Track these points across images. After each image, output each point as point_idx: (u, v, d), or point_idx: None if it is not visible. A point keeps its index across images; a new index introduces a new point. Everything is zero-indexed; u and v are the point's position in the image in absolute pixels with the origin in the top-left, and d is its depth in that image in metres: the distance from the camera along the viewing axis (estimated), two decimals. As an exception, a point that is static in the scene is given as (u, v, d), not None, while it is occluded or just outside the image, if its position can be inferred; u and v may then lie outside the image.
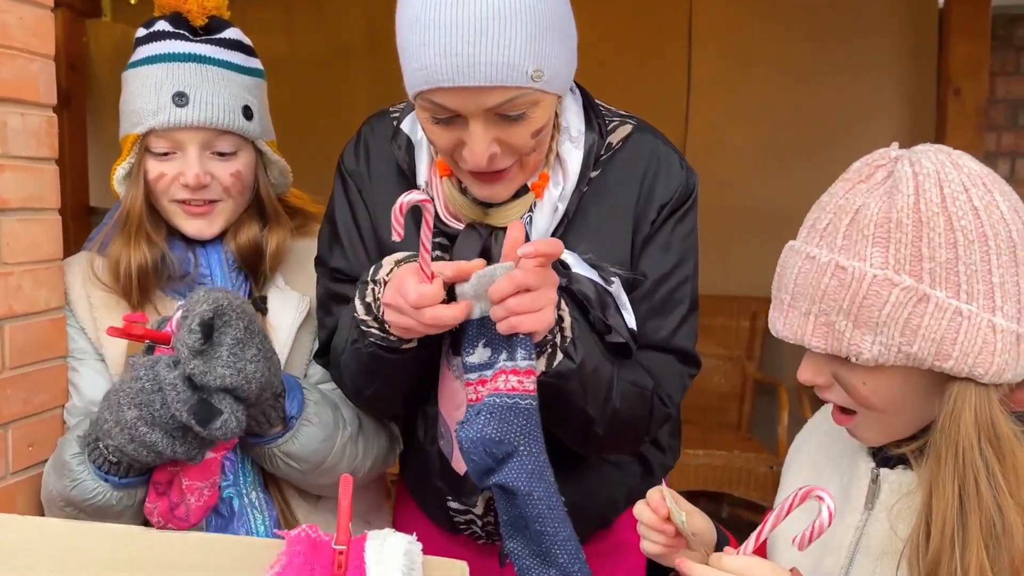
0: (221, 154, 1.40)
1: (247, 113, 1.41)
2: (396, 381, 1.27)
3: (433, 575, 0.98)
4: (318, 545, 0.97)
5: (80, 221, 4.24)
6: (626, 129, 1.36)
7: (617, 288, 1.27)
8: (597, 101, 1.39)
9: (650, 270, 1.32)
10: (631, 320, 1.28)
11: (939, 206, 0.88)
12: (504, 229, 1.24)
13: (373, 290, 1.19)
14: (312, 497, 1.41)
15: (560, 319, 1.17)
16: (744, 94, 4.63)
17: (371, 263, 1.29)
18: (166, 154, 1.38)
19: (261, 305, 1.43)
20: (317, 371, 1.45)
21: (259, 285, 1.45)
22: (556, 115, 1.28)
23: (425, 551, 1.03)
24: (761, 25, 4.64)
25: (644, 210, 1.33)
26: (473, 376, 1.13)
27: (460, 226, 1.27)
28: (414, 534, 1.01)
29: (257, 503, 1.35)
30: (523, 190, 1.28)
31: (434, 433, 1.36)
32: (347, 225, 1.38)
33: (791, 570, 0.94)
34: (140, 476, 1.21)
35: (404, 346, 1.19)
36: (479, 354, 1.12)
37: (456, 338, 1.20)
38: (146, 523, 1.21)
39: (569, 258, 1.26)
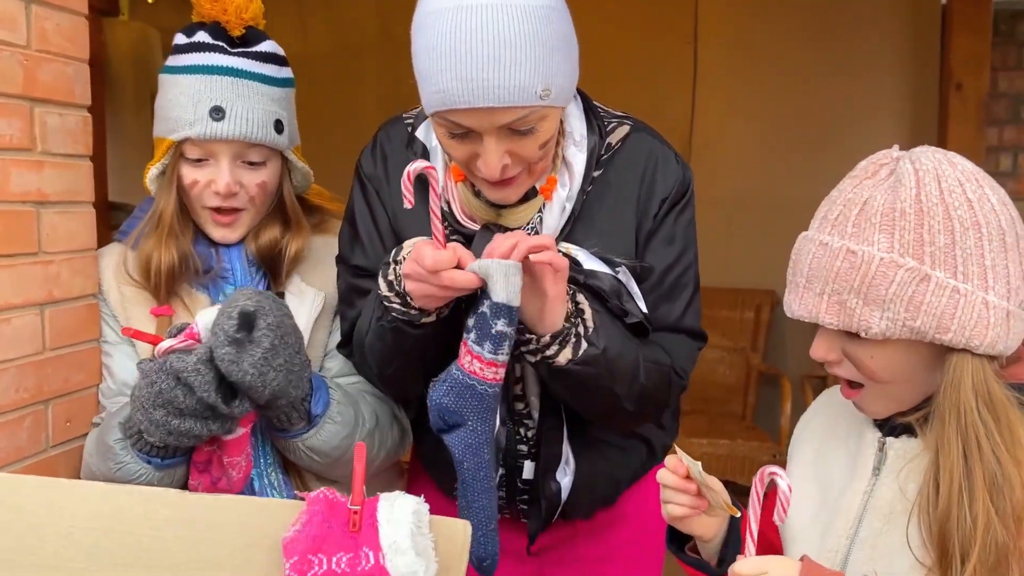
0: (251, 163, 1.48)
1: (278, 127, 1.48)
2: (417, 359, 1.35)
3: (439, 533, 1.07)
4: (335, 505, 1.07)
5: (100, 216, 4.34)
6: (624, 129, 1.45)
7: (625, 275, 1.37)
8: (596, 103, 1.48)
9: (657, 261, 1.42)
10: (642, 304, 1.38)
11: (938, 198, 0.99)
12: (518, 228, 1.35)
13: (395, 269, 1.28)
14: (318, 480, 1.49)
15: (581, 311, 1.27)
16: (748, 90, 4.69)
17: None
18: (199, 160, 1.45)
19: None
20: (335, 364, 1.53)
21: (277, 282, 1.53)
22: (561, 122, 1.37)
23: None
24: (765, 22, 4.69)
25: (646, 205, 1.42)
26: (464, 334, 1.24)
27: (476, 227, 1.36)
28: (422, 496, 1.11)
29: (276, 484, 1.44)
30: (533, 192, 1.37)
31: None
32: (367, 225, 1.46)
33: (802, 558, 1.03)
34: (181, 457, 1.30)
35: (424, 320, 1.28)
36: (469, 320, 1.23)
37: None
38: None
39: (579, 254, 1.35)
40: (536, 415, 1.43)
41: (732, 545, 1.15)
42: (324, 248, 1.55)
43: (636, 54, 4.76)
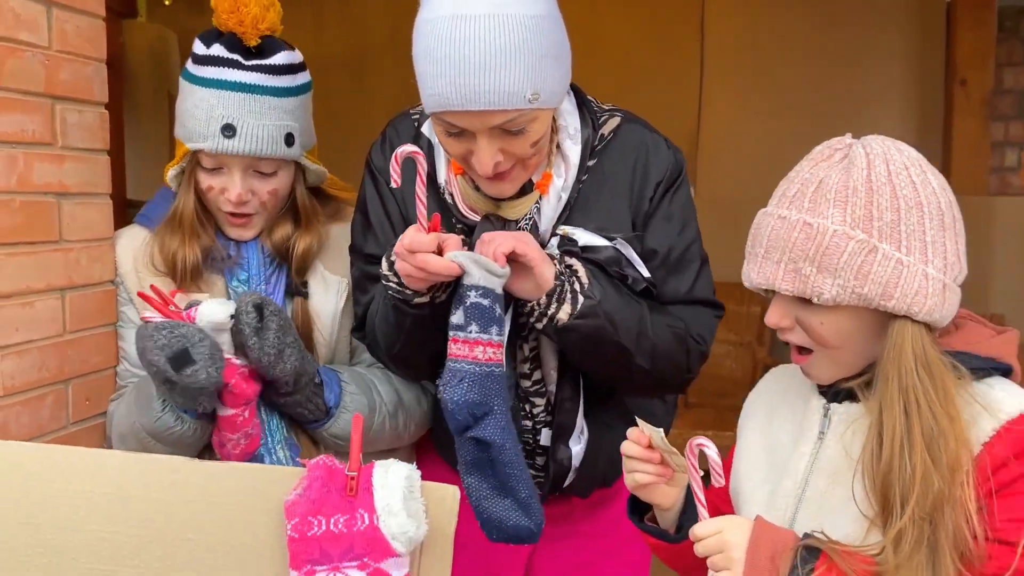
0: (263, 173, 1.53)
1: (289, 140, 1.52)
2: (418, 340, 1.42)
3: (429, 497, 1.15)
4: (333, 471, 1.16)
5: (118, 212, 4.45)
6: (615, 121, 1.53)
7: (622, 245, 1.44)
8: (588, 97, 1.56)
9: (659, 240, 1.49)
10: (643, 270, 1.45)
11: (886, 178, 1.08)
12: (515, 221, 1.43)
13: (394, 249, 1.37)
14: (337, 455, 1.58)
15: (574, 271, 1.35)
16: (755, 86, 4.74)
17: None
18: (214, 169, 1.52)
19: (302, 290, 1.59)
20: (363, 348, 1.61)
21: (301, 272, 1.60)
22: (554, 119, 1.45)
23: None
24: (772, 19, 4.74)
25: (641, 190, 1.49)
26: (450, 333, 1.31)
27: (477, 218, 1.44)
28: (413, 463, 1.19)
29: (284, 460, 1.54)
30: (529, 187, 1.45)
31: None
32: (378, 215, 1.54)
33: (756, 518, 1.12)
34: (213, 409, 1.39)
35: (416, 300, 1.36)
36: (455, 317, 1.30)
37: None
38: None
39: (577, 233, 1.43)
40: (552, 388, 1.49)
41: (688, 513, 1.22)
42: (343, 235, 1.62)
43: (644, 50, 4.82)
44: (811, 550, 1.07)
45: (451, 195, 1.45)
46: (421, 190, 1.31)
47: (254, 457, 1.48)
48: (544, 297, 1.34)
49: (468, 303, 1.29)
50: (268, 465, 1.39)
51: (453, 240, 1.32)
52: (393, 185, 1.32)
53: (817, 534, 1.09)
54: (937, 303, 1.08)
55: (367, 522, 1.13)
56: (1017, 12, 4.89)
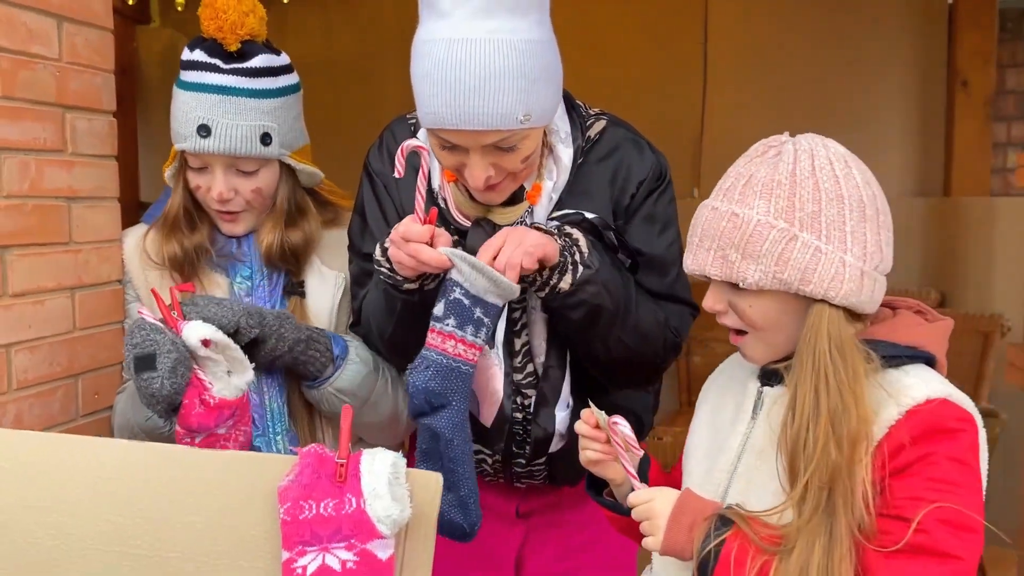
0: (244, 172, 1.60)
1: (265, 140, 1.59)
2: (408, 324, 1.49)
3: (414, 483, 1.22)
4: (324, 459, 1.22)
5: (131, 215, 4.53)
6: (601, 124, 1.60)
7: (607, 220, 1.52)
8: (577, 101, 1.63)
9: (641, 237, 1.57)
10: (626, 243, 1.53)
11: (809, 172, 1.16)
12: (506, 226, 1.49)
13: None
14: (333, 429, 1.65)
15: (576, 240, 1.42)
16: (758, 88, 4.75)
17: None
18: (200, 168, 1.61)
19: (298, 289, 1.67)
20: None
21: (297, 271, 1.68)
22: (545, 133, 1.52)
23: None
24: (774, 23, 4.75)
25: (623, 187, 1.57)
26: (431, 322, 1.38)
27: (468, 223, 1.51)
28: (400, 452, 1.25)
29: (284, 451, 1.61)
30: (521, 195, 1.53)
31: None
32: (375, 216, 1.62)
33: (684, 490, 1.23)
34: None
35: (406, 286, 1.43)
36: (436, 308, 1.38)
37: None
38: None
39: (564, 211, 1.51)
40: (541, 358, 1.56)
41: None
42: (340, 238, 1.70)
43: (647, 56, 4.86)
44: (725, 520, 1.15)
45: (444, 200, 1.53)
46: (422, 183, 1.39)
47: (253, 448, 1.55)
48: (547, 270, 1.41)
49: (451, 298, 1.36)
50: (262, 453, 1.47)
51: (445, 236, 1.39)
52: (396, 175, 1.40)
53: (734, 505, 1.18)
54: (853, 288, 1.15)
55: (355, 506, 1.19)
56: (1019, 13, 4.91)
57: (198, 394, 1.40)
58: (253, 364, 1.45)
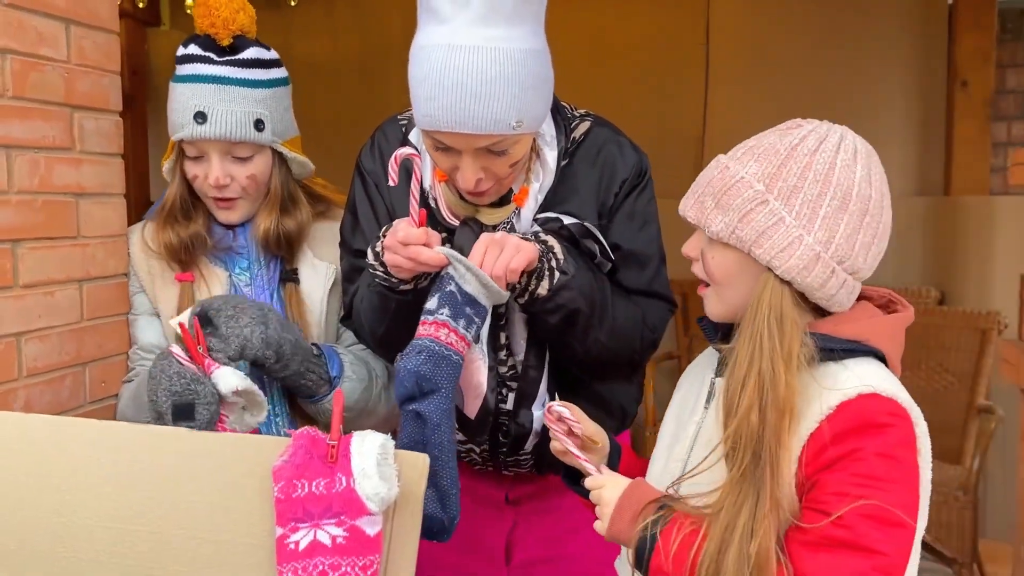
0: (239, 158, 1.66)
1: (259, 126, 1.65)
2: (401, 322, 1.53)
3: (402, 463, 1.28)
4: (316, 441, 1.28)
5: (142, 212, 4.62)
6: (585, 125, 1.66)
7: (588, 224, 1.57)
8: (562, 103, 1.68)
9: (622, 234, 1.62)
10: (608, 250, 1.58)
11: (810, 151, 1.15)
12: (494, 227, 1.56)
13: (381, 242, 1.49)
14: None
15: (551, 247, 1.47)
16: (760, 88, 4.77)
17: None
18: (196, 157, 1.67)
19: (293, 276, 1.73)
20: (348, 334, 1.75)
21: (291, 260, 1.75)
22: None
23: None
24: (776, 24, 4.78)
25: (608, 186, 1.62)
26: (423, 315, 1.42)
27: (457, 222, 1.57)
28: (388, 434, 1.32)
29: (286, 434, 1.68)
30: (508, 197, 1.58)
31: None
32: (367, 214, 1.67)
33: (635, 479, 1.26)
34: None
35: (401, 287, 1.49)
36: (430, 302, 1.42)
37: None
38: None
39: (553, 214, 1.57)
40: (520, 357, 1.61)
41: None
42: (330, 231, 1.76)
43: (649, 56, 4.90)
44: (667, 508, 1.18)
45: (435, 200, 1.58)
46: (416, 188, 1.43)
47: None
48: (525, 275, 1.46)
49: (446, 290, 1.41)
50: (258, 436, 1.53)
51: (436, 235, 1.45)
52: (390, 183, 1.44)
53: (671, 490, 1.21)
54: (801, 267, 1.15)
55: (345, 485, 1.25)
56: (1018, 14, 4.94)
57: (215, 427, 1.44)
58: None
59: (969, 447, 3.62)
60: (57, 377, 1.61)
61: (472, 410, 1.58)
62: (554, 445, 1.38)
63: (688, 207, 1.23)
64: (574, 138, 1.63)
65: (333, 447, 1.28)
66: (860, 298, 1.26)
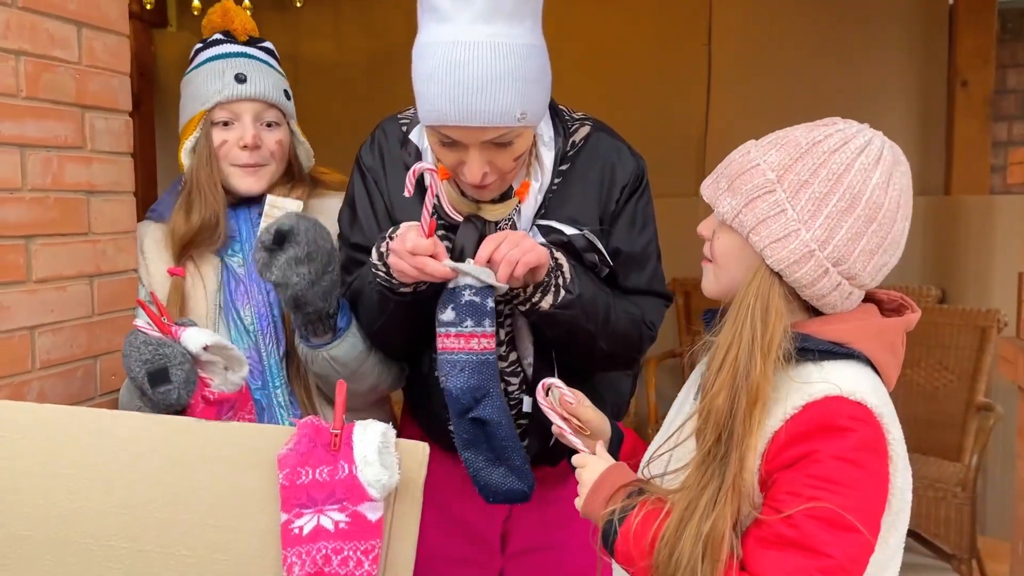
0: (268, 124, 1.78)
1: (287, 95, 1.82)
2: (397, 321, 1.61)
3: (402, 451, 1.33)
4: (320, 429, 1.33)
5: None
6: (585, 129, 1.70)
7: (590, 235, 1.62)
8: (560, 107, 1.72)
9: (623, 238, 1.68)
10: (607, 259, 1.64)
11: (830, 150, 1.14)
12: (495, 223, 1.61)
13: (386, 243, 1.55)
14: (325, 388, 1.76)
15: (560, 265, 1.53)
16: (762, 88, 4.80)
17: None
18: (227, 124, 1.77)
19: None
20: None
21: None
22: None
23: (429, 463, 1.35)
24: (777, 24, 4.81)
25: (609, 191, 1.68)
26: (441, 330, 1.50)
27: (460, 218, 1.61)
28: (390, 423, 1.36)
29: (284, 403, 1.73)
30: (510, 192, 1.63)
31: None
32: (365, 210, 1.72)
33: (614, 463, 1.30)
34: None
35: (401, 289, 1.54)
36: (447, 315, 1.49)
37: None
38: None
39: (552, 224, 1.62)
40: (528, 361, 1.67)
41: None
42: (319, 206, 1.85)
43: (652, 57, 4.94)
44: (637, 493, 1.21)
45: (437, 197, 1.63)
46: (430, 200, 1.48)
47: (255, 403, 1.66)
48: (531, 287, 1.52)
49: (462, 302, 1.47)
50: (263, 425, 1.57)
51: (443, 248, 1.50)
52: (406, 194, 1.50)
53: (644, 471, 1.25)
54: (792, 261, 1.15)
55: (347, 472, 1.30)
56: (1019, 13, 4.97)
57: (200, 392, 1.48)
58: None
59: (968, 444, 3.65)
60: (69, 369, 1.66)
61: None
62: (554, 430, 1.43)
63: (706, 185, 1.24)
64: (573, 141, 1.68)
65: (336, 436, 1.32)
66: (871, 300, 1.26)
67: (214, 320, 1.75)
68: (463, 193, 1.61)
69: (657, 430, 1.41)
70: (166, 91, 5.23)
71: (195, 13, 4.92)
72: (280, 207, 1.63)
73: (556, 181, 1.65)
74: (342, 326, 1.65)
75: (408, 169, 1.54)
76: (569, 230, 1.61)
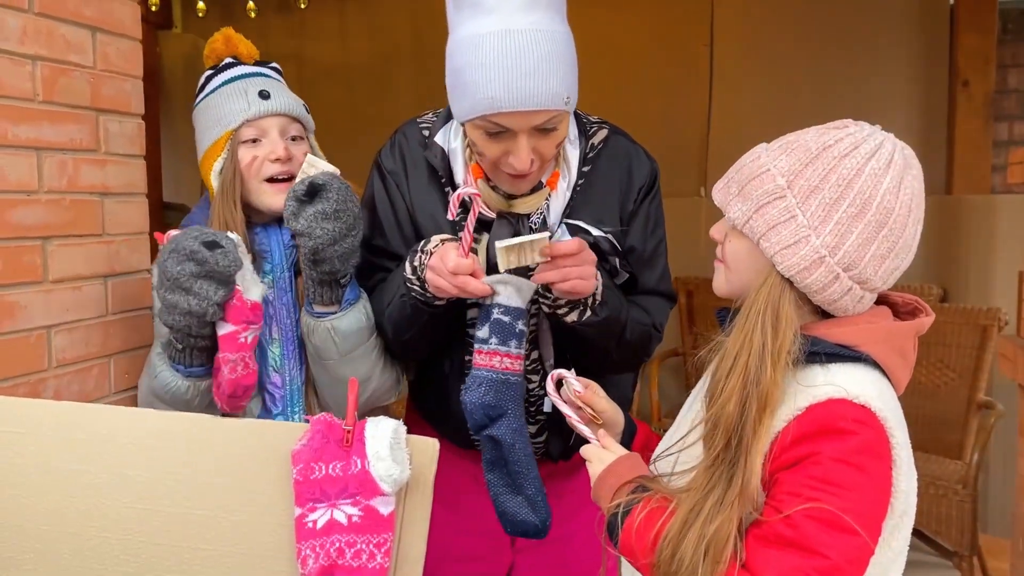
0: (293, 139, 1.76)
1: (306, 109, 1.81)
2: (427, 330, 1.65)
3: (413, 447, 1.35)
4: (332, 426, 1.36)
5: (155, 214, 4.69)
6: (603, 132, 1.75)
7: (612, 238, 1.67)
8: (577, 111, 1.76)
9: (638, 238, 1.73)
10: (627, 261, 1.69)
11: (840, 155, 1.13)
12: (527, 216, 1.64)
13: (420, 257, 1.58)
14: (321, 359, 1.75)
15: (595, 288, 1.56)
16: (763, 89, 4.81)
17: (405, 242, 1.70)
18: (255, 141, 1.72)
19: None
20: None
21: None
22: None
23: (440, 461, 1.38)
24: (779, 24, 4.82)
25: (627, 192, 1.73)
26: (477, 345, 1.53)
27: (493, 215, 1.62)
28: (400, 419, 1.39)
29: (291, 354, 1.72)
30: (539, 184, 1.66)
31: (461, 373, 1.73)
32: (386, 213, 1.74)
33: (622, 455, 1.32)
34: (199, 368, 1.59)
35: (436, 303, 1.58)
36: (481, 331, 1.53)
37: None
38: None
39: (581, 224, 1.66)
40: (551, 362, 1.70)
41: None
42: None
43: (654, 58, 4.96)
44: (642, 489, 1.23)
45: (469, 197, 1.66)
46: (471, 222, 1.51)
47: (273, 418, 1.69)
48: (562, 302, 1.56)
49: (492, 319, 1.51)
50: (278, 421, 1.60)
51: (481, 268, 1.54)
52: (450, 217, 1.54)
53: (651, 468, 1.26)
54: (802, 267, 1.15)
55: (359, 467, 1.33)
56: (1019, 14, 4.98)
57: (236, 296, 1.56)
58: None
59: (969, 442, 3.67)
60: (84, 368, 1.69)
61: None
62: (570, 423, 1.45)
63: (717, 189, 1.25)
64: (592, 144, 1.72)
65: (349, 432, 1.35)
66: (884, 303, 1.26)
67: None
68: (494, 189, 1.64)
69: (660, 428, 1.43)
70: (171, 92, 5.26)
71: (200, 15, 4.96)
72: (317, 167, 1.63)
73: (579, 182, 1.70)
74: (350, 298, 1.66)
75: (432, 167, 1.58)
76: (595, 231, 1.65)
